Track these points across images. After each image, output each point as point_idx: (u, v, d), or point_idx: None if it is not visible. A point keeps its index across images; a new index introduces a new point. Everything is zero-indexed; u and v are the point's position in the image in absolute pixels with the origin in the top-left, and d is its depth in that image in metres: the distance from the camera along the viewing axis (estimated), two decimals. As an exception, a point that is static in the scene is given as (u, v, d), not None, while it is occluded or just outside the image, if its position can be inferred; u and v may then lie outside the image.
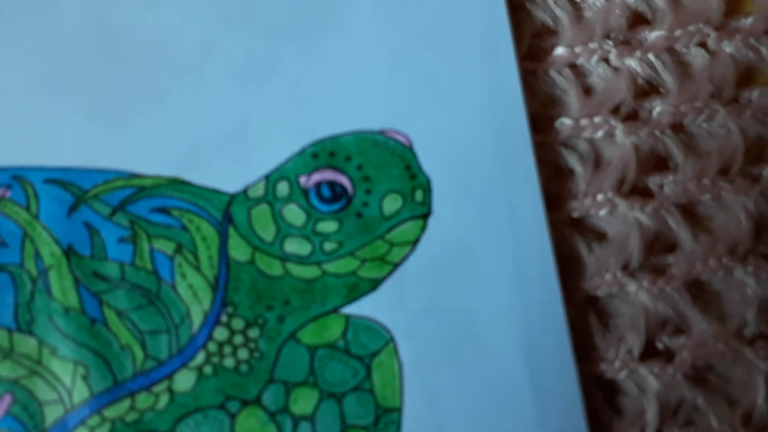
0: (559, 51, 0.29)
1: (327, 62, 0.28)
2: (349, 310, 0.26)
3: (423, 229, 0.27)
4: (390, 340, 0.26)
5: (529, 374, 0.26)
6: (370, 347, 0.26)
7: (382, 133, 0.27)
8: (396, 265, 0.27)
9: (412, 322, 0.26)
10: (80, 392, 0.25)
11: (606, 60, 0.29)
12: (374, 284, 0.26)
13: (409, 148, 0.27)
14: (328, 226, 0.27)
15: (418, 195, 0.27)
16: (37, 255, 0.26)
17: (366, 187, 0.27)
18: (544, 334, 0.26)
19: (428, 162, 0.27)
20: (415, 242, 0.27)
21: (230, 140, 0.27)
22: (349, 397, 0.26)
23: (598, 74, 0.29)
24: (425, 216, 0.27)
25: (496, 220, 0.27)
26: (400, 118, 0.28)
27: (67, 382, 0.25)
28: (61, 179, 0.27)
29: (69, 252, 0.26)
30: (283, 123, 0.27)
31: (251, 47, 0.28)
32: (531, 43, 0.30)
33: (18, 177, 0.26)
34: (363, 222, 0.27)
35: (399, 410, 0.26)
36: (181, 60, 0.28)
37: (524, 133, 0.27)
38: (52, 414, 0.25)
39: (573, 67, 0.29)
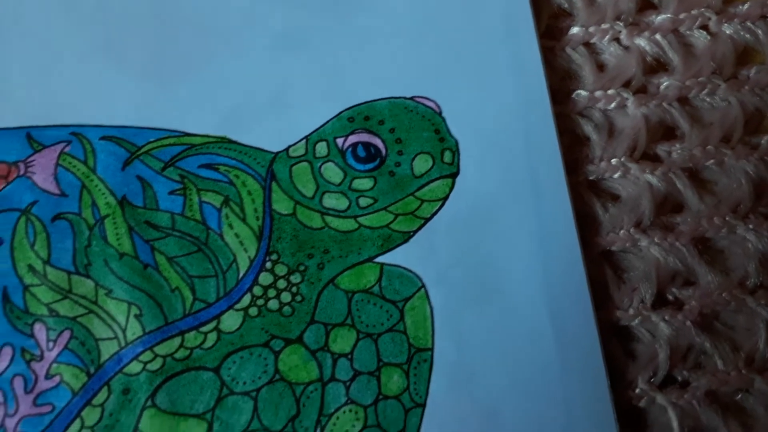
0: (575, 31, 0.33)
1: (360, 34, 0.32)
2: (383, 259, 0.30)
3: (451, 187, 0.30)
4: (421, 287, 0.29)
5: (551, 320, 0.29)
6: (403, 293, 0.29)
7: (413, 99, 0.31)
8: (426, 220, 0.30)
9: (441, 271, 0.29)
10: (134, 330, 0.28)
11: (617, 39, 0.33)
12: (406, 236, 0.30)
13: (439, 114, 0.31)
14: (364, 183, 0.30)
15: (447, 156, 0.30)
16: (94, 205, 0.29)
17: (398, 149, 0.30)
18: (565, 284, 0.30)
19: (456, 127, 0.31)
20: (444, 199, 0.30)
21: (272, 103, 0.31)
22: (384, 337, 0.29)
23: (610, 52, 0.33)
24: (453, 176, 0.30)
25: (520, 181, 0.30)
26: (429, 87, 0.31)
27: (121, 321, 0.28)
28: (115, 136, 0.30)
29: (123, 202, 0.29)
30: (321, 89, 0.31)
31: (288, 18, 0.31)
32: (549, 24, 0.34)
33: (76, 133, 0.30)
34: (395, 180, 0.30)
35: (431, 350, 0.29)
36: (224, 28, 0.31)
37: (545, 102, 0.31)
38: (107, 350, 0.28)
39: (587, 45, 0.33)
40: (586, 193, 0.31)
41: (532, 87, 0.31)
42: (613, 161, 0.31)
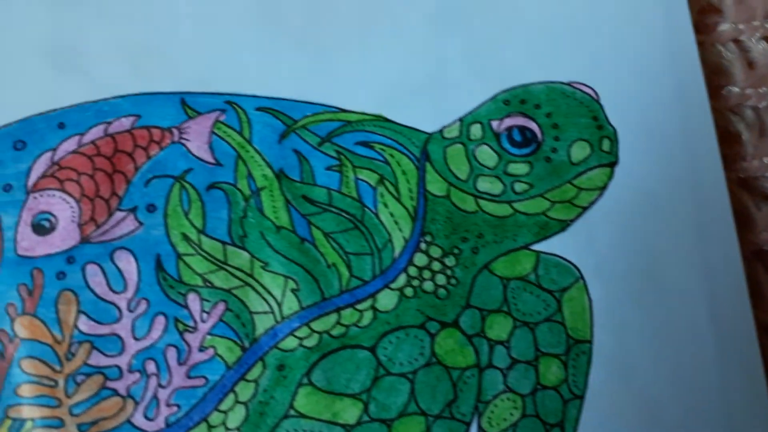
0: (724, 27, 0.33)
1: (517, 16, 0.31)
2: (539, 247, 0.29)
3: (610, 176, 0.30)
4: (579, 278, 0.29)
5: (710, 316, 0.29)
6: (561, 283, 0.29)
7: (569, 84, 0.31)
8: (584, 209, 0.30)
9: (600, 262, 0.29)
10: (290, 305, 0.28)
11: (766, 39, 0.33)
12: (563, 225, 0.29)
13: (596, 101, 0.30)
14: (519, 168, 0.30)
15: (605, 144, 0.30)
16: (250, 176, 0.29)
17: (555, 134, 0.30)
18: (724, 279, 0.29)
19: (612, 115, 0.30)
20: (602, 188, 0.30)
21: (427, 84, 0.30)
22: (541, 326, 0.28)
23: (758, 50, 0.33)
24: (612, 165, 0.30)
25: (678, 174, 0.30)
26: (586, 73, 0.31)
27: (277, 295, 0.28)
28: (272, 108, 0.29)
29: (280, 175, 0.29)
30: (476, 70, 0.31)
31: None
32: (696, 19, 0.33)
33: (231, 102, 0.29)
34: (552, 166, 0.30)
35: (589, 342, 0.28)
36: (382, 4, 0.31)
37: (702, 95, 0.31)
38: (262, 324, 0.28)
39: (736, 42, 0.33)
40: (738, 191, 0.31)
41: (689, 80, 0.31)
42: (766, 160, 0.31)
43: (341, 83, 0.30)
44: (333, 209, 0.28)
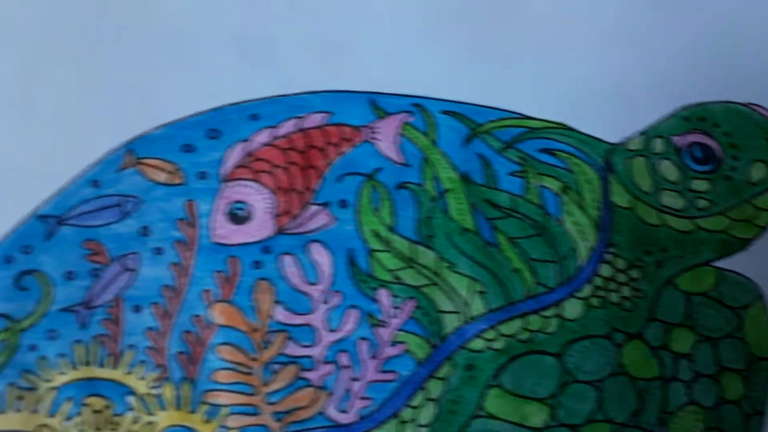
0: None
1: (697, 34, 0.32)
2: (720, 264, 0.30)
3: (788, 197, 0.30)
4: (760, 296, 0.29)
5: None
6: (742, 300, 0.29)
7: (747, 105, 0.31)
8: (763, 228, 0.30)
9: (780, 281, 0.29)
10: (477, 307, 0.28)
11: None
12: (744, 244, 0.30)
13: (773, 123, 0.31)
14: (700, 184, 0.30)
15: (784, 166, 0.30)
16: (436, 178, 0.29)
17: (733, 153, 0.30)
18: None
19: (791, 138, 0.31)
20: (782, 208, 0.30)
21: (609, 95, 0.31)
22: (723, 342, 0.29)
23: None
24: (790, 185, 0.30)
25: None
26: (763, 96, 0.31)
27: (464, 296, 0.28)
28: (457, 112, 0.30)
29: (464, 178, 0.29)
30: (656, 85, 0.31)
31: (622, 11, 0.31)
32: None
33: (418, 105, 0.30)
34: (732, 185, 0.30)
35: (771, 360, 0.29)
36: (561, 16, 0.31)
37: None
38: (450, 323, 0.28)
39: None
40: None
41: None
42: None
43: (524, 90, 0.31)
44: (517, 215, 0.29)
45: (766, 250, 0.30)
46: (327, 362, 0.28)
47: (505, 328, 0.28)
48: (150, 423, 0.27)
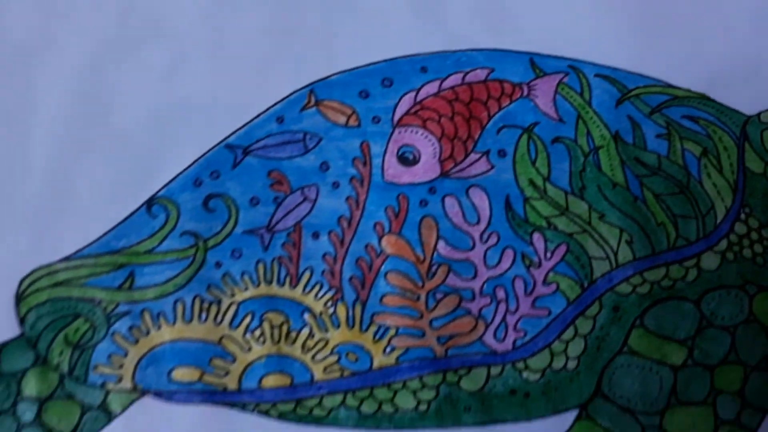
0: None
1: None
2: None
3: None
4: None
5: None
6: None
7: None
8: None
9: None
10: (624, 255, 0.31)
11: None
12: None
13: None
14: (829, 156, 0.33)
15: None
16: (588, 134, 0.32)
17: None
18: None
19: None
20: None
21: (750, 72, 0.33)
22: None
23: None
24: None
25: None
26: None
27: (613, 244, 0.31)
28: (609, 76, 0.33)
29: (616, 137, 0.32)
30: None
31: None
32: None
33: (574, 67, 0.33)
34: None
35: None
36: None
37: None
38: (599, 268, 0.31)
39: None
40: None
41: None
42: None
43: (671, 61, 0.33)
44: (662, 173, 0.32)
45: None
46: (485, 295, 0.30)
47: (650, 275, 0.31)
48: (324, 339, 0.30)
